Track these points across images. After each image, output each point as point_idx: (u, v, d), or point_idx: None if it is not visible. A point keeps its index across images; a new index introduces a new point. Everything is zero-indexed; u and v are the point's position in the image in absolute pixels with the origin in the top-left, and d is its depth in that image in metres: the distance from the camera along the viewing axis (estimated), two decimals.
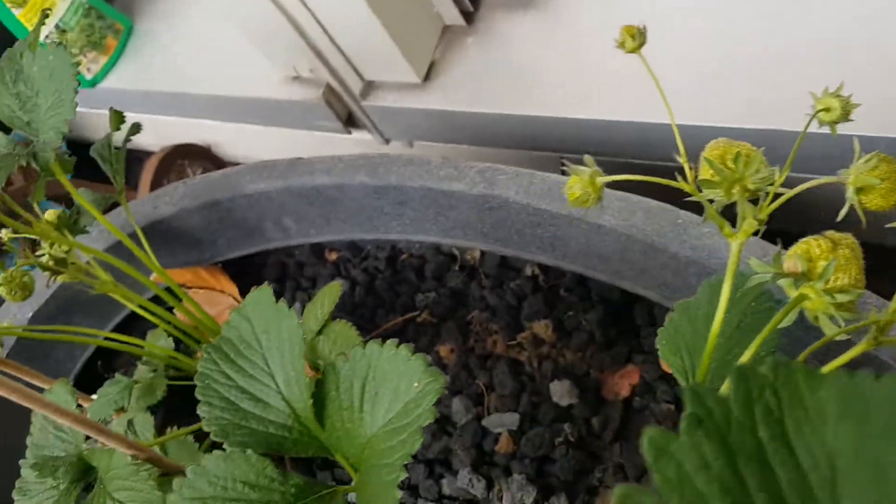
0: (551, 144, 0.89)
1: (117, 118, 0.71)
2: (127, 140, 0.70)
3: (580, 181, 0.39)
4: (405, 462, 0.41)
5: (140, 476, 0.55)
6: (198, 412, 0.48)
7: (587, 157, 0.40)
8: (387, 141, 1.06)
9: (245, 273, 0.90)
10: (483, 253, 0.80)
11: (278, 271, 0.90)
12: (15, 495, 0.61)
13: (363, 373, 0.46)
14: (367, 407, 0.46)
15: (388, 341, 0.46)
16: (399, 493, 0.40)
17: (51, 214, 0.70)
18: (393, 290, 0.82)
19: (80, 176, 1.07)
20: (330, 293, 0.72)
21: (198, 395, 0.49)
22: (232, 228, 0.85)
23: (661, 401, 0.66)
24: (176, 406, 0.80)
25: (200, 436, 0.74)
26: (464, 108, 0.91)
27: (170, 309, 0.76)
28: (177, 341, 0.81)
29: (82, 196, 0.71)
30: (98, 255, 0.68)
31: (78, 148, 1.38)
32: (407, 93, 0.94)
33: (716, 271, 0.56)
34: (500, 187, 0.68)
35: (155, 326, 0.81)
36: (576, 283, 0.74)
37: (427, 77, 0.94)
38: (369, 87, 0.98)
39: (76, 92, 0.57)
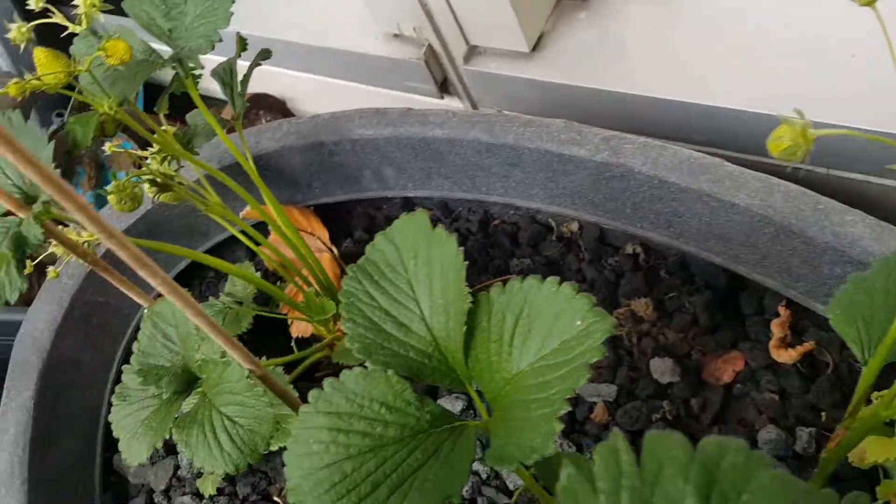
0: (655, 128, 0.87)
1: (241, 43, 0.71)
2: (256, 64, 0.69)
3: (791, 131, 0.38)
4: (567, 396, 0.40)
5: (254, 392, 0.54)
6: (342, 328, 0.47)
7: (796, 109, 0.39)
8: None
9: (330, 220, 0.89)
10: (581, 227, 0.79)
11: (366, 222, 0.89)
12: (114, 400, 0.60)
13: (518, 307, 0.45)
14: (517, 342, 0.45)
15: (549, 278, 0.45)
16: (560, 425, 0.40)
17: (170, 130, 0.70)
18: (486, 253, 0.81)
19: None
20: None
21: (342, 312, 0.48)
22: (330, 172, 0.85)
23: (765, 390, 0.65)
24: (255, 338, 0.80)
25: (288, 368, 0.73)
26: (570, 81, 0.90)
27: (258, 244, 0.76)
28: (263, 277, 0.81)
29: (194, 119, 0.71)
30: (214, 174, 0.68)
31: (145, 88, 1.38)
32: (513, 61, 0.93)
33: (858, 261, 0.56)
34: (626, 156, 0.67)
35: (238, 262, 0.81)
36: (678, 265, 0.73)
37: (535, 47, 0.93)
38: (473, 51, 0.97)
39: (233, 1, 0.57)
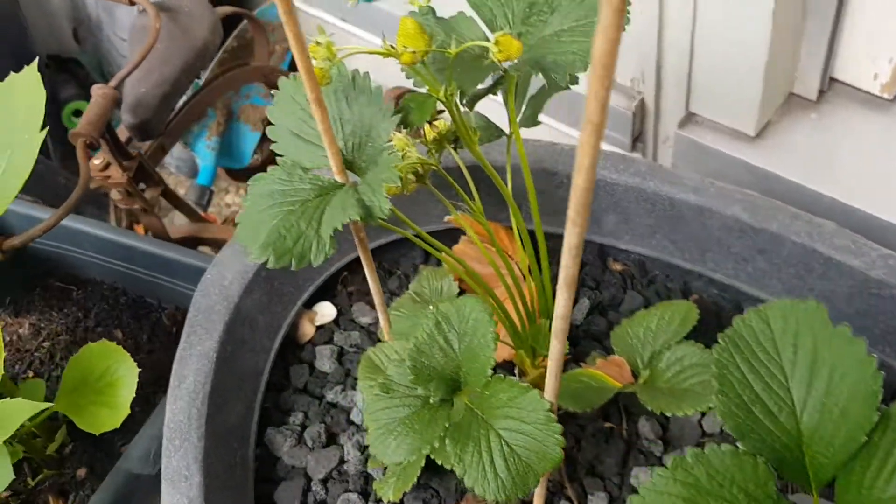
0: None
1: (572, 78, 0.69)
2: (557, 89, 0.67)
3: None
4: None
5: (550, 427, 0.52)
6: (715, 399, 0.45)
7: None
8: None
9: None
10: None
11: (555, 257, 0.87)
12: (374, 389, 0.57)
13: None
14: None
15: None
16: None
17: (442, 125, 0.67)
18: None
19: None
20: (682, 313, 0.69)
21: (714, 382, 0.46)
22: (549, 201, 0.82)
23: None
24: None
25: None
26: (788, 175, 0.89)
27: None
28: None
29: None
30: (487, 169, 0.65)
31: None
32: (733, 140, 0.93)
33: None
34: None
35: None
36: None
37: (759, 133, 0.92)
38: (690, 118, 0.96)
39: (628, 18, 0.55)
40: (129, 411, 0.71)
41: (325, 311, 0.86)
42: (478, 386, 0.55)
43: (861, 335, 0.69)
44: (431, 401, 0.56)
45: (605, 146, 1.04)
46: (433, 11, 0.61)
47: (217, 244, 1.07)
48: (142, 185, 0.99)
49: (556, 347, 0.47)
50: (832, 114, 0.92)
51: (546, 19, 0.58)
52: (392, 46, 0.56)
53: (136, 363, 0.73)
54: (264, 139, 1.38)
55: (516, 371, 0.77)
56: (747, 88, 0.87)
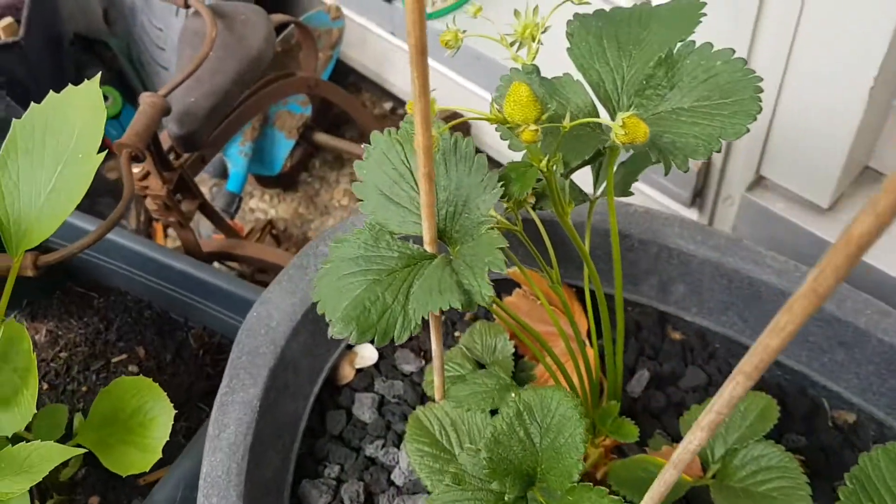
0: None
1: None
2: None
3: None
4: None
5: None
6: None
7: None
8: None
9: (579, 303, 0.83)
10: (858, 420, 0.74)
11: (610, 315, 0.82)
12: (447, 481, 0.53)
13: None
14: None
15: None
16: None
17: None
18: None
19: None
20: (761, 408, 0.65)
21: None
22: (607, 261, 0.78)
23: None
24: None
25: None
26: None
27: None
28: None
29: None
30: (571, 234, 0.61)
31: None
32: (804, 210, 0.89)
33: None
34: None
35: None
36: None
37: (831, 206, 0.88)
38: (759, 182, 0.92)
39: (759, 106, 0.50)
40: (160, 455, 0.66)
41: (366, 354, 0.81)
42: (559, 488, 0.51)
43: None
44: (506, 497, 0.51)
45: (662, 199, 1.01)
46: (538, 70, 0.57)
47: (248, 262, 1.02)
48: (178, 196, 0.95)
49: (671, 475, 0.42)
50: None
51: (664, 94, 0.54)
52: (499, 110, 0.52)
53: (168, 400, 0.68)
54: (297, 147, 1.34)
55: None
56: (828, 160, 0.83)
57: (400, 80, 1.40)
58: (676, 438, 0.73)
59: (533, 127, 0.47)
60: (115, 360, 0.92)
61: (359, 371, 0.81)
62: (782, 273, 0.71)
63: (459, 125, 1.22)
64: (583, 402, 0.69)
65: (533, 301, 0.83)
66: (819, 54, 0.77)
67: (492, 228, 0.49)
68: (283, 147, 1.29)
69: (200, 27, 0.92)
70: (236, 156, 1.23)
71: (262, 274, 1.08)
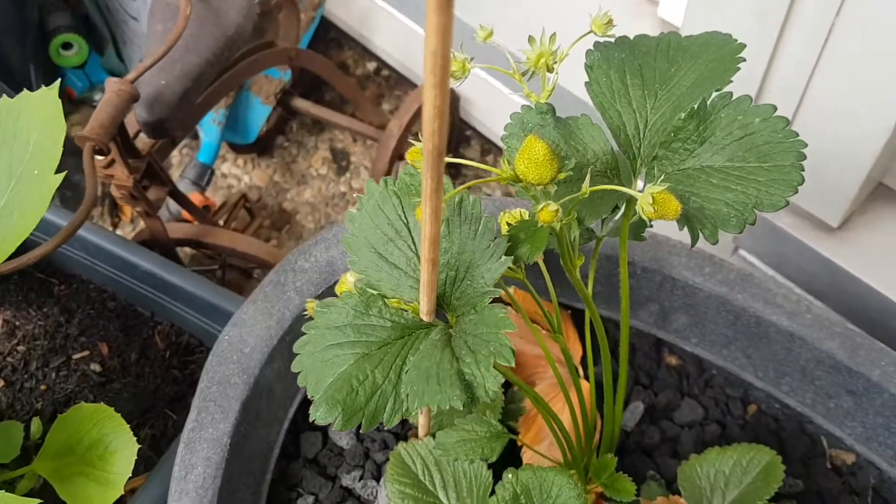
0: None
1: None
2: None
3: None
4: None
5: None
6: None
7: None
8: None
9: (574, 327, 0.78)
10: (858, 463, 0.71)
11: (610, 345, 0.78)
12: None
13: None
14: None
15: None
16: None
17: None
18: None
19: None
20: (764, 464, 0.62)
21: None
22: (614, 289, 0.74)
23: None
24: None
25: None
26: (862, 276, 0.82)
27: None
28: None
29: None
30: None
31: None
32: (812, 229, 0.84)
33: None
34: None
35: None
36: None
37: (840, 225, 0.84)
38: None
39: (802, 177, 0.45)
40: (121, 491, 0.62)
41: None
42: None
43: None
44: None
45: None
46: (553, 111, 0.51)
47: (219, 251, 0.96)
48: (145, 182, 0.88)
49: None
50: None
51: (693, 149, 0.48)
52: (510, 163, 0.46)
53: (132, 433, 0.63)
54: (273, 111, 1.26)
55: None
56: (844, 181, 0.78)
57: (383, 40, 1.32)
58: (670, 480, 0.70)
59: (550, 189, 0.41)
60: (76, 356, 0.86)
61: None
62: (794, 315, 0.67)
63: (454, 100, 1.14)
64: (577, 445, 0.65)
65: (520, 317, 0.79)
66: (845, 76, 0.72)
67: (498, 308, 0.44)
68: (260, 113, 1.21)
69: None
70: (209, 124, 1.15)
71: (235, 259, 1.02)
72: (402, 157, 1.18)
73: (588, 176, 0.45)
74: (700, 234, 0.46)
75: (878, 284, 0.81)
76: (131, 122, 0.85)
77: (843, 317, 0.87)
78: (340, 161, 1.33)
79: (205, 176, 1.14)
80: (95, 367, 0.85)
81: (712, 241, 0.46)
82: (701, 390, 0.76)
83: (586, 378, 0.73)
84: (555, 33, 0.51)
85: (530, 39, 0.51)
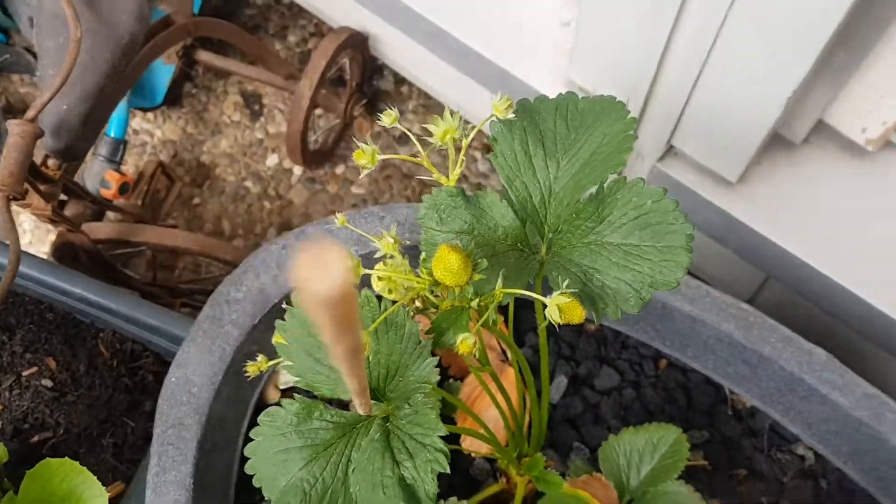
0: (827, 313, 0.89)
1: None
2: None
3: None
4: None
5: None
6: None
7: None
8: None
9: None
10: (754, 411, 0.81)
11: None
12: None
13: None
14: None
15: None
16: None
17: None
18: (661, 404, 0.81)
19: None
20: (671, 442, 0.70)
21: None
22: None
23: None
24: None
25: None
26: (759, 228, 0.88)
27: None
28: None
29: None
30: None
31: None
32: (713, 184, 0.90)
33: None
34: (887, 426, 0.69)
35: None
36: (838, 486, 0.78)
37: (739, 179, 0.89)
38: (670, 151, 0.92)
39: (690, 258, 0.50)
40: None
41: (289, 375, 0.81)
42: None
43: (829, 447, 0.73)
44: None
45: None
46: (463, 193, 0.54)
47: (147, 247, 0.96)
48: (62, 198, 0.87)
49: None
50: (812, 160, 0.90)
51: (594, 227, 0.52)
52: (429, 273, 0.49)
53: (99, 483, 0.67)
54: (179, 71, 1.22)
55: (496, 470, 0.77)
56: (745, 138, 0.83)
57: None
58: (593, 447, 0.78)
59: (470, 340, 0.45)
60: (25, 373, 0.89)
61: (284, 391, 0.81)
62: (695, 300, 0.73)
63: (355, 37, 1.13)
64: (509, 434, 0.72)
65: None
66: (748, 40, 0.74)
67: (430, 403, 0.49)
68: (164, 74, 1.17)
69: (60, 9, 0.80)
70: None
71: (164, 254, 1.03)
72: (316, 106, 1.17)
73: (500, 283, 0.49)
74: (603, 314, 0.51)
75: (771, 234, 0.87)
76: (38, 148, 0.83)
77: (743, 260, 0.94)
78: (253, 105, 1.32)
79: (118, 151, 1.12)
80: (47, 382, 0.88)
81: (615, 318, 0.51)
82: (617, 353, 0.84)
83: (511, 364, 0.79)
84: (460, 113, 0.53)
85: (434, 119, 0.53)
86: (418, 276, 0.49)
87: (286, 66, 1.18)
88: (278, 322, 0.51)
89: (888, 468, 0.71)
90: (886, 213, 0.86)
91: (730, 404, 0.82)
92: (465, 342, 0.45)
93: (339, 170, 1.27)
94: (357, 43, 1.17)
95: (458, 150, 0.53)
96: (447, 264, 0.47)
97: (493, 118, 0.55)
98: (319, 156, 1.24)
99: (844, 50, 0.74)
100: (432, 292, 0.50)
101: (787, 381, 0.73)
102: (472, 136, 0.52)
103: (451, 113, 0.52)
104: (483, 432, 0.68)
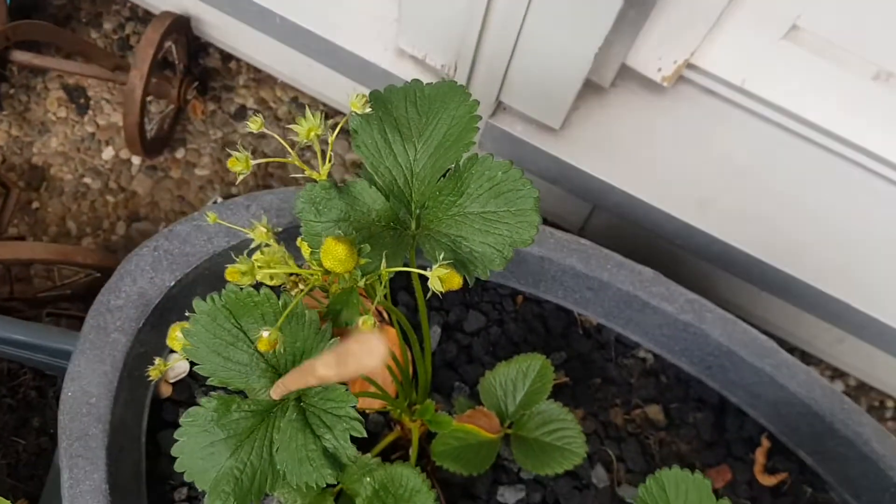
0: (647, 231, 1.02)
1: None
2: None
3: None
4: None
5: None
6: None
7: None
8: None
9: None
10: (601, 324, 0.93)
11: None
12: None
13: None
14: None
15: None
16: None
17: None
18: (525, 336, 0.91)
19: None
20: (538, 368, 0.80)
21: None
22: None
23: (741, 496, 0.88)
24: None
25: None
26: (583, 166, 0.99)
27: None
28: None
29: None
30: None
31: None
32: (540, 132, 0.99)
33: (863, 454, 0.79)
34: (707, 324, 0.82)
35: None
36: (676, 378, 0.92)
37: (562, 126, 0.99)
38: (499, 107, 1.00)
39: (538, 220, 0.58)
40: None
41: (179, 368, 0.84)
42: None
43: (676, 357, 0.85)
44: None
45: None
46: (335, 185, 0.59)
47: (2, 263, 0.94)
48: None
49: None
50: (620, 100, 1.01)
51: (455, 200, 0.59)
52: (319, 263, 0.55)
53: None
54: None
55: (392, 421, 0.84)
56: (563, 90, 0.92)
57: None
58: (472, 384, 0.87)
59: (370, 320, 0.51)
60: None
61: (175, 385, 0.84)
62: (540, 242, 0.83)
63: (178, 21, 1.14)
64: (399, 387, 0.79)
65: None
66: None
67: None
68: None
69: None
70: None
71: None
72: (149, 95, 1.16)
73: (384, 261, 0.55)
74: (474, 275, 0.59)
75: (593, 170, 0.98)
76: None
77: (571, 194, 1.05)
78: (78, 99, 1.28)
79: None
80: None
81: (484, 278, 0.59)
82: (480, 297, 0.93)
83: (390, 323, 0.87)
84: (323, 112, 0.58)
85: (298, 119, 0.58)
86: (297, 263, 0.54)
87: (110, 57, 1.15)
88: (182, 328, 0.55)
89: (713, 358, 0.84)
90: (683, 139, 0.99)
91: (580, 325, 0.93)
92: (366, 322, 0.51)
93: (180, 154, 1.27)
94: (180, 26, 1.16)
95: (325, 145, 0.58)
96: (335, 254, 0.53)
97: (353, 115, 0.60)
98: (158, 143, 1.23)
99: (635, 7, 0.84)
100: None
101: (624, 299, 0.84)
102: (335, 132, 0.58)
103: (312, 113, 0.57)
104: (376, 390, 0.75)
